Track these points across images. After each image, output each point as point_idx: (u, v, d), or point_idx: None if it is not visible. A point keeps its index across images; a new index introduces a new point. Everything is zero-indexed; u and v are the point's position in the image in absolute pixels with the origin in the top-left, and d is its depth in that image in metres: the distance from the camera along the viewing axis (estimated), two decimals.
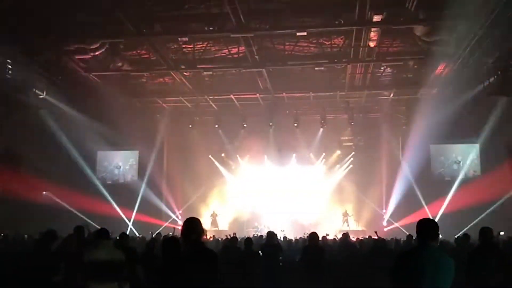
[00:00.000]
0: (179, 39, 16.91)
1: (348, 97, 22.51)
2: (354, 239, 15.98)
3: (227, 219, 26.69)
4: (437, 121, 19.60)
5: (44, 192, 20.08)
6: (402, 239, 14.17)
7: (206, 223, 24.73)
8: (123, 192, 23.56)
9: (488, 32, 14.27)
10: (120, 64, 18.53)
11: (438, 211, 20.62)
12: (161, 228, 21.10)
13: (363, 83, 20.63)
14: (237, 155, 26.90)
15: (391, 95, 22.08)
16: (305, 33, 15.34)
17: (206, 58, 18.82)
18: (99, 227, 7.05)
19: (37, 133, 18.57)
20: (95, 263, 6.03)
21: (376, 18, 14.41)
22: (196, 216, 4.65)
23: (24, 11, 14.18)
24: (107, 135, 22.03)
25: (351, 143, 26.37)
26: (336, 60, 18.21)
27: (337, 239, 15.73)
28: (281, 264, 10.00)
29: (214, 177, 26.67)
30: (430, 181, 22.90)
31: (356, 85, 20.78)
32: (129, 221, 22.37)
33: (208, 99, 22.72)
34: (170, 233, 14.90)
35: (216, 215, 26.25)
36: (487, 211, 18.24)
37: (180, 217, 25.31)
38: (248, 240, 9.49)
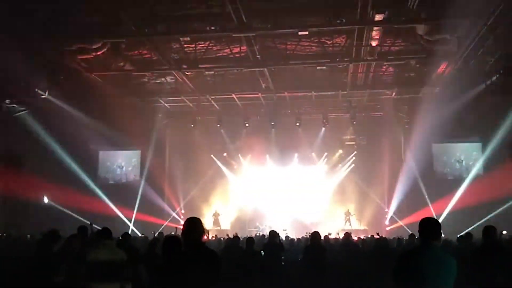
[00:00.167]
0: (181, 38, 16.93)
1: (350, 97, 22.49)
2: (356, 239, 15.95)
3: (229, 218, 26.73)
4: (440, 120, 19.57)
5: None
6: (404, 238, 14.15)
7: (208, 223, 24.78)
8: (125, 192, 23.58)
9: (490, 30, 14.23)
10: (122, 64, 18.54)
11: (440, 210, 20.58)
12: (163, 227, 21.14)
13: (365, 82, 20.61)
14: (239, 155, 26.92)
15: (393, 94, 22.05)
16: (306, 33, 15.32)
17: (208, 57, 18.81)
18: (100, 227, 7.05)
19: (38, 133, 18.57)
20: (97, 263, 6.03)
21: (378, 17, 14.37)
22: (198, 216, 4.65)
23: (26, 11, 14.19)
24: (109, 135, 22.04)
25: (353, 143, 26.36)
26: (338, 60, 18.17)
27: (339, 239, 15.71)
28: (283, 263, 10.00)
29: (216, 177, 26.69)
30: (433, 180, 22.86)
31: (358, 84, 20.76)
32: (131, 221, 22.38)
33: (210, 98, 22.71)
34: (172, 233, 14.94)
35: (218, 214, 26.29)
36: (490, 210, 18.16)
37: (182, 216, 25.35)
38: (249, 239, 9.49)
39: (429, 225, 4.23)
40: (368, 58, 17.73)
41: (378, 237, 11.78)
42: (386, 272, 4.65)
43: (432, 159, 24.08)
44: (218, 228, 25.34)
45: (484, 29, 14.18)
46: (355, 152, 26.14)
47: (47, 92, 19.27)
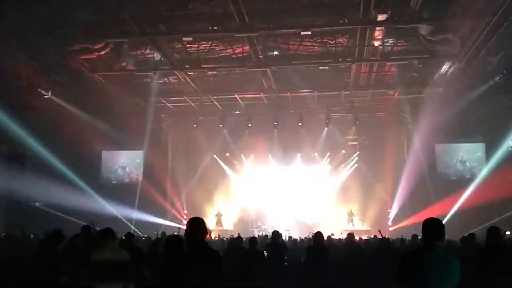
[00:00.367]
0: (183, 38, 16.94)
1: (352, 97, 22.48)
2: (358, 239, 15.91)
3: (232, 218, 26.73)
4: (443, 120, 19.56)
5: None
6: (407, 239, 14.12)
7: (211, 223, 24.76)
8: (128, 192, 23.58)
9: (493, 31, 14.21)
10: (124, 64, 18.56)
11: (443, 211, 20.51)
12: (166, 227, 21.14)
13: (368, 82, 20.59)
14: (242, 155, 26.91)
15: (396, 94, 22.03)
16: (309, 33, 15.33)
17: (210, 57, 18.81)
18: (102, 228, 7.04)
19: (42, 133, 18.60)
20: (100, 263, 6.03)
21: (381, 17, 14.37)
22: (200, 216, 4.64)
23: (29, 11, 14.23)
24: (112, 135, 22.05)
25: (356, 143, 26.34)
26: (340, 59, 18.16)
27: (342, 239, 15.69)
28: (286, 264, 9.99)
29: (219, 177, 26.71)
30: (436, 181, 22.81)
31: (360, 84, 20.74)
32: (134, 221, 22.38)
33: (212, 98, 22.72)
34: (175, 233, 14.95)
35: (221, 214, 26.28)
36: (493, 211, 18.09)
37: (184, 217, 25.35)
38: (252, 239, 9.47)
39: (432, 226, 4.22)
40: (371, 58, 17.73)
41: (380, 236, 11.74)
42: (389, 273, 4.64)
43: (435, 159, 24.04)
44: (221, 228, 25.33)
45: (487, 29, 14.16)
46: (358, 152, 26.12)
47: (50, 92, 19.31)
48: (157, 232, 16.46)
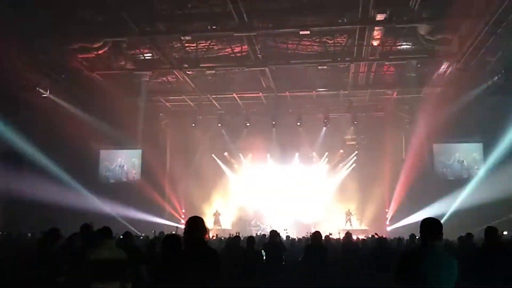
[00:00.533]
0: (182, 38, 16.95)
1: (351, 96, 22.48)
2: (355, 238, 15.91)
3: (230, 218, 26.73)
4: (441, 120, 19.56)
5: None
6: (405, 239, 14.13)
7: (209, 222, 24.76)
8: (126, 191, 23.54)
9: (491, 31, 14.21)
10: (123, 63, 18.54)
11: (441, 211, 20.52)
12: (164, 227, 21.11)
13: (366, 82, 20.60)
14: (240, 154, 26.93)
15: (395, 94, 22.05)
16: (308, 32, 15.33)
17: (209, 57, 18.82)
18: (100, 227, 7.02)
19: (40, 132, 18.57)
20: (97, 263, 6.02)
21: (380, 17, 14.38)
22: (198, 215, 4.64)
23: (28, 10, 14.20)
24: (110, 134, 22.01)
25: (354, 142, 26.37)
26: (339, 59, 18.20)
27: (339, 239, 15.70)
28: (283, 263, 9.99)
29: (217, 176, 26.72)
30: (433, 181, 22.81)
31: (359, 84, 20.75)
32: (132, 220, 22.35)
33: (211, 98, 22.72)
34: (173, 232, 14.94)
35: (219, 214, 26.30)
36: (491, 211, 18.10)
37: (182, 216, 25.35)
38: (250, 239, 9.47)
39: (430, 225, 4.22)
40: (370, 57, 17.74)
41: (377, 237, 11.79)
42: (387, 272, 4.65)
43: (433, 159, 24.04)
44: (219, 227, 25.33)
45: (486, 29, 14.17)
46: (356, 151, 26.15)
47: (48, 91, 19.28)
48: (154, 231, 16.41)
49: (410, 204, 22.15)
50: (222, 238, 16.59)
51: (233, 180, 27.22)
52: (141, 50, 18.66)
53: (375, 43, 16.54)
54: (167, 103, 24.27)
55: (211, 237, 18.07)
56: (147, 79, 21.48)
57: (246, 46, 17.09)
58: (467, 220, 17.61)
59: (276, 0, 14.98)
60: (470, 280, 5.83)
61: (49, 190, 18.73)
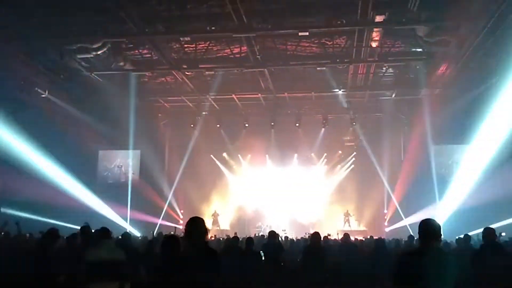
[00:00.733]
0: (181, 38, 16.95)
1: (350, 97, 22.47)
2: (353, 239, 15.94)
3: (229, 218, 26.73)
4: (439, 121, 19.58)
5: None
6: (403, 240, 14.16)
7: (207, 223, 24.73)
8: (125, 192, 23.56)
9: (490, 32, 14.23)
10: (122, 63, 18.53)
11: (439, 212, 20.56)
12: (162, 227, 21.10)
13: (365, 83, 20.60)
14: (239, 155, 26.96)
15: (393, 95, 22.04)
16: (307, 33, 15.32)
17: (208, 57, 18.82)
18: (98, 227, 7.03)
19: (38, 133, 18.56)
20: (96, 263, 6.02)
21: (379, 19, 14.38)
22: (197, 216, 4.64)
23: (27, 10, 14.20)
24: (109, 134, 22.03)
25: (353, 143, 26.40)
26: (338, 60, 18.18)
27: (337, 239, 15.71)
28: (282, 264, 9.99)
29: (216, 177, 26.74)
30: (431, 182, 22.83)
31: (358, 85, 20.75)
32: (131, 220, 22.36)
33: (210, 98, 22.71)
34: (172, 232, 14.92)
35: (218, 214, 26.31)
36: (490, 212, 18.11)
37: (181, 216, 25.36)
38: (249, 239, 9.48)
39: (428, 227, 4.23)
40: (368, 59, 17.73)
41: (376, 238, 11.84)
42: (385, 273, 4.65)
43: (431, 160, 24.06)
44: (218, 228, 25.34)
45: (485, 31, 14.19)
46: (355, 153, 26.20)
47: (47, 92, 19.28)
48: (153, 232, 16.40)
49: (409, 205, 22.18)
50: (221, 239, 16.59)
51: (231, 180, 27.23)
52: (140, 50, 18.65)
53: (374, 44, 16.54)
54: (165, 104, 24.25)
55: (209, 237, 18.07)
56: (146, 79, 21.50)
57: (245, 47, 17.09)
58: (465, 222, 17.66)
59: (275, 1, 14.97)
60: (469, 282, 5.84)
61: (47, 190, 18.74)
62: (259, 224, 25.16)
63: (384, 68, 20.25)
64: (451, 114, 19.14)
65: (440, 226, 4.22)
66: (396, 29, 15.63)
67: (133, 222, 22.25)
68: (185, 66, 18.92)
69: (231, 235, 13.26)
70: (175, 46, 18.25)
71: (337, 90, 21.13)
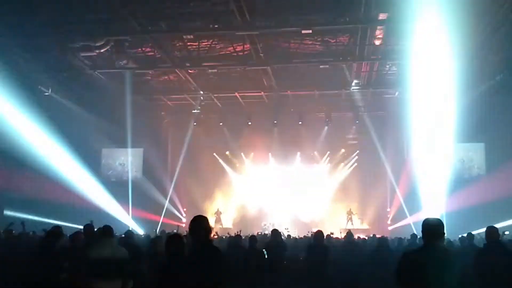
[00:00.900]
0: (184, 36, 16.91)
1: (353, 96, 22.43)
2: (356, 238, 15.91)
3: (231, 216, 26.74)
4: (442, 120, 19.50)
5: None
6: (406, 238, 14.12)
7: (210, 221, 24.73)
8: (128, 190, 23.59)
9: (494, 30, 14.18)
10: (125, 61, 18.54)
11: (442, 210, 20.52)
12: (165, 225, 21.14)
13: (369, 81, 20.56)
14: (242, 153, 26.93)
15: (396, 93, 22.00)
16: (310, 31, 15.32)
17: (211, 55, 18.79)
18: (101, 225, 7.03)
19: (41, 131, 18.59)
20: (98, 261, 6.03)
21: (382, 16, 14.35)
22: (200, 214, 4.65)
23: (30, 8, 14.22)
24: (112, 132, 22.06)
25: (356, 142, 26.33)
26: (341, 58, 18.15)
27: (340, 238, 15.69)
28: (285, 262, 9.99)
29: (219, 175, 26.73)
30: (434, 180, 22.77)
31: (361, 83, 20.70)
32: (133, 218, 22.40)
33: (212, 97, 22.72)
34: (175, 230, 14.94)
35: (221, 212, 26.32)
36: (492, 211, 18.08)
37: (184, 214, 25.39)
38: (252, 238, 9.48)
39: (431, 225, 4.21)
40: (372, 57, 17.70)
41: (379, 236, 11.82)
42: (388, 272, 4.64)
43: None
44: (220, 226, 25.33)
45: (488, 29, 14.14)
46: (358, 151, 26.12)
47: (50, 90, 19.31)
48: (156, 230, 16.42)
49: (412, 203, 22.13)
50: (223, 237, 16.60)
51: (234, 179, 27.22)
52: (143, 48, 18.65)
53: (377, 42, 16.50)
54: (168, 102, 24.27)
55: (212, 236, 18.05)
56: (149, 77, 21.50)
57: (248, 45, 17.06)
58: (468, 220, 17.62)
59: None
60: (472, 281, 5.83)
61: (50, 189, 18.80)
62: (264, 223, 25.09)
63: (387, 66, 20.18)
64: (454, 112, 19.07)
65: (443, 225, 4.20)
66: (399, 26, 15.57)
67: (136, 220, 22.28)
68: (188, 64, 18.93)
69: (234, 233, 13.27)
70: (178, 44, 18.24)
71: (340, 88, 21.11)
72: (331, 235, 14.55)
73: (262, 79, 20.18)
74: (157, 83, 22.54)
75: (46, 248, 6.83)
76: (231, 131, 25.60)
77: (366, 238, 16.84)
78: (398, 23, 14.52)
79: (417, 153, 22.01)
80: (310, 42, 18.24)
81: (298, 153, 26.45)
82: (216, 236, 18.11)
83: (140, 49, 18.69)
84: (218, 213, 26.25)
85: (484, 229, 6.67)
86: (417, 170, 21.97)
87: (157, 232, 14.47)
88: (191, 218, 4.53)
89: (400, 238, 14.14)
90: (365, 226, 25.29)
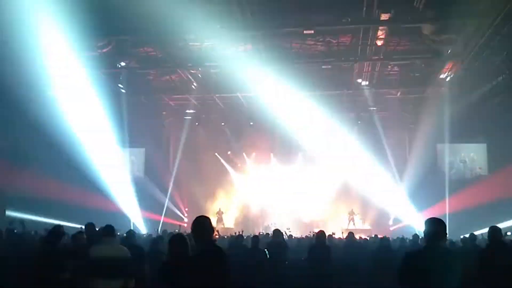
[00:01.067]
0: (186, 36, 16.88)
1: (355, 96, 22.40)
2: (358, 238, 15.91)
3: (233, 216, 26.75)
4: (445, 120, 19.51)
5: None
6: (408, 239, 14.11)
7: (212, 221, 24.74)
8: (129, 189, 23.57)
9: (496, 30, 14.16)
10: (127, 61, 18.52)
11: (444, 211, 20.51)
12: (167, 225, 21.16)
13: (370, 81, 20.53)
14: (244, 153, 26.93)
15: (398, 94, 21.99)
16: (312, 31, 15.30)
17: (213, 55, 18.74)
18: (103, 225, 7.04)
19: (44, 131, 18.60)
20: (100, 260, 6.04)
21: (384, 17, 14.33)
22: (202, 214, 4.64)
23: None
24: (114, 132, 22.03)
25: (358, 141, 26.24)
26: (343, 59, 18.14)
27: (342, 238, 15.69)
28: (287, 262, 9.99)
29: (220, 175, 26.73)
30: (437, 181, 22.78)
31: (363, 84, 20.66)
32: (135, 218, 22.40)
33: (214, 97, 22.70)
34: (176, 230, 14.97)
35: (222, 212, 26.33)
36: (495, 211, 18.06)
37: (185, 214, 25.40)
38: (254, 238, 9.50)
39: (433, 225, 4.21)
40: (374, 57, 17.68)
41: (381, 236, 11.80)
42: (390, 272, 4.64)
43: (436, 159, 24.00)
44: (222, 226, 25.35)
45: (491, 29, 14.11)
46: (360, 151, 26.02)
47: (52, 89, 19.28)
48: (158, 230, 16.45)
49: (414, 204, 22.12)
50: (225, 237, 16.61)
51: (236, 179, 27.23)
52: (145, 48, 18.64)
53: (379, 42, 16.48)
54: (170, 102, 24.26)
55: (214, 235, 18.06)
56: (151, 77, 21.49)
57: (250, 46, 17.04)
58: (470, 221, 17.61)
59: None
60: (474, 281, 5.82)
61: (52, 188, 18.82)
62: (268, 223, 25.06)
63: (389, 67, 20.16)
64: (456, 113, 19.07)
65: (445, 225, 4.20)
66: (401, 27, 15.57)
67: (137, 220, 22.28)
68: (190, 64, 18.91)
69: (236, 233, 13.28)
70: (180, 44, 18.22)
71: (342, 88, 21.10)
72: (333, 236, 14.56)
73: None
74: (159, 83, 22.53)
75: (48, 248, 6.83)
76: (233, 131, 25.61)
77: (368, 238, 16.83)
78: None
79: (418, 154, 22.05)
80: (312, 43, 18.18)
81: (300, 153, 26.41)
82: (217, 236, 18.15)
83: (142, 49, 18.67)
84: (220, 213, 26.26)
85: (486, 230, 6.66)
86: (419, 170, 21.99)
87: (159, 232, 14.50)
88: (193, 218, 4.52)
89: (402, 239, 14.14)
90: (367, 226, 25.26)
